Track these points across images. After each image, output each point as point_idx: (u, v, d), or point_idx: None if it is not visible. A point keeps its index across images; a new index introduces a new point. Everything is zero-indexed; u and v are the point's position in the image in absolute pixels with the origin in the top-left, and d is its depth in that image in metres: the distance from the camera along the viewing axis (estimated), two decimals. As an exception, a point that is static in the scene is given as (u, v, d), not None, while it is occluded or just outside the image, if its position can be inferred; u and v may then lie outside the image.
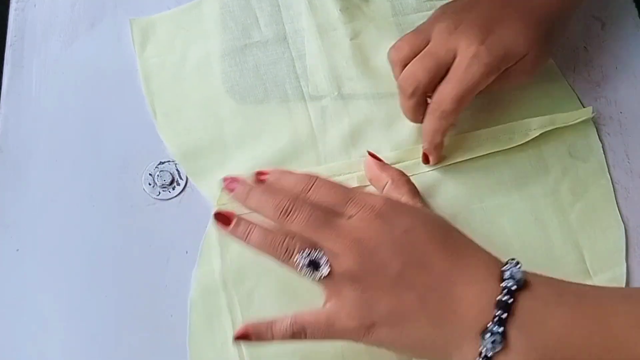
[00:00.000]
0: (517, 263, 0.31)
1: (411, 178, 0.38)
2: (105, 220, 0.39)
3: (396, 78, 0.39)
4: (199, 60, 0.43)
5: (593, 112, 0.42)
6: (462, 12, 0.38)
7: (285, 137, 0.41)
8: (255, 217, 0.34)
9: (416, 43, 0.38)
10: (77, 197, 0.40)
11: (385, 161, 0.39)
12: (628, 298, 0.30)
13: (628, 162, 0.42)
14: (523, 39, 0.37)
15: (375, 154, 0.39)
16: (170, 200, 0.40)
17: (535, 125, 0.41)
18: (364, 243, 0.32)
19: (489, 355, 0.29)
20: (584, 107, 0.43)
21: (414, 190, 0.37)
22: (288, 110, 0.42)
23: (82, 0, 0.46)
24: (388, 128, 0.42)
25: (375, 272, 0.32)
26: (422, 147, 0.39)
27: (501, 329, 0.28)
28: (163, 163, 0.41)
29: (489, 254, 0.33)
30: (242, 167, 0.40)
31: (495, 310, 0.29)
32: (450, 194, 0.40)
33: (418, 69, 0.37)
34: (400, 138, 0.41)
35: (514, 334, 0.29)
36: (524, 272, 0.30)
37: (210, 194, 0.39)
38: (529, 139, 0.41)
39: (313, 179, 0.35)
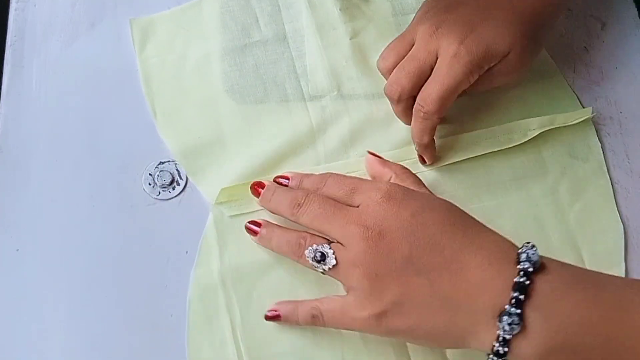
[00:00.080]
0: (533, 246, 0.30)
1: None
2: (105, 220, 0.39)
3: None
4: (199, 59, 0.43)
5: (593, 113, 0.42)
6: (445, 13, 0.38)
7: (284, 136, 0.41)
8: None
9: (401, 49, 0.39)
10: (77, 197, 0.40)
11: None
12: None
13: (628, 162, 0.42)
14: (504, 37, 0.37)
15: (374, 152, 0.39)
16: (170, 200, 0.40)
17: (534, 125, 0.41)
18: (371, 229, 0.32)
19: (507, 337, 0.28)
20: (583, 107, 0.43)
21: (418, 182, 0.37)
22: (288, 109, 0.42)
23: (82, 0, 0.46)
24: (387, 127, 0.42)
25: (383, 258, 0.32)
26: (416, 149, 0.40)
27: (519, 311, 0.28)
28: (163, 163, 0.41)
29: (503, 238, 0.32)
30: (242, 166, 0.40)
31: (512, 292, 0.29)
32: (449, 193, 0.40)
33: (401, 75, 0.37)
34: (399, 137, 0.41)
35: (532, 315, 0.28)
36: (541, 256, 0.30)
37: (210, 193, 0.39)
38: (528, 138, 0.41)
39: (327, 175, 0.36)
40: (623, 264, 0.39)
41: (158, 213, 0.39)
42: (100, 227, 0.39)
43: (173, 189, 0.40)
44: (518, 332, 0.28)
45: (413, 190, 0.35)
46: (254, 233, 0.37)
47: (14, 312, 0.37)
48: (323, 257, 0.33)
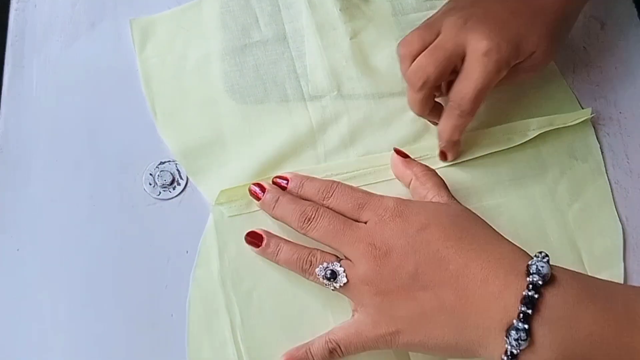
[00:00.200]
0: (545, 256, 0.30)
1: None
2: (105, 220, 0.39)
3: (403, 71, 0.39)
4: (199, 59, 0.43)
5: (592, 113, 0.42)
6: (472, 7, 0.38)
7: (285, 136, 0.41)
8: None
9: (426, 36, 0.38)
10: (77, 197, 0.40)
11: (386, 159, 0.40)
12: None
13: (628, 162, 0.42)
14: (531, 34, 0.37)
15: (400, 149, 0.39)
16: (170, 200, 0.40)
17: (534, 126, 0.41)
18: (378, 247, 0.33)
19: (515, 352, 0.28)
20: (582, 108, 0.43)
21: (439, 184, 0.37)
22: (288, 109, 0.42)
23: (82, 0, 0.46)
24: (387, 127, 0.42)
25: (391, 276, 0.32)
26: (439, 145, 0.40)
27: (526, 326, 0.28)
28: (163, 163, 0.41)
29: (514, 248, 0.32)
30: (242, 166, 0.40)
31: (521, 306, 0.29)
32: None
33: (428, 63, 0.37)
34: (399, 137, 0.41)
35: (540, 330, 0.28)
36: (551, 267, 0.30)
37: (210, 193, 0.39)
38: (528, 139, 0.41)
39: (333, 185, 0.36)
40: (622, 264, 0.39)
41: (158, 213, 0.39)
42: (100, 227, 0.39)
43: (173, 189, 0.40)
44: (526, 347, 0.28)
45: (420, 203, 0.35)
46: (256, 245, 0.37)
47: (14, 312, 0.37)
48: (334, 275, 0.34)
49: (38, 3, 0.46)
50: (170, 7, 0.46)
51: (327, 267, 0.34)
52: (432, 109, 0.40)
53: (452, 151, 0.40)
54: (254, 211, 0.39)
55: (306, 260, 0.35)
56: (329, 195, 0.36)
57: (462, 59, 0.37)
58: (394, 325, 0.32)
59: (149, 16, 0.45)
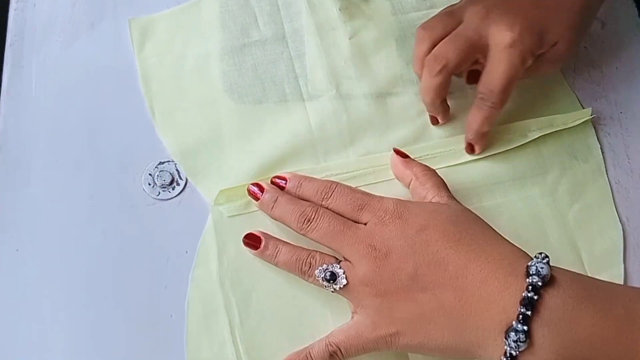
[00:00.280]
0: (545, 257, 0.30)
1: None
2: (105, 220, 0.39)
3: (418, 56, 0.39)
4: (198, 59, 0.43)
5: (593, 114, 0.42)
6: None
7: (284, 136, 0.41)
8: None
9: (448, 23, 0.38)
10: (77, 197, 0.40)
11: (386, 159, 0.40)
12: None
13: (628, 162, 0.42)
14: (554, 25, 0.37)
15: (400, 149, 0.39)
16: (170, 200, 0.40)
17: (534, 127, 0.41)
18: (378, 248, 0.33)
19: (514, 354, 0.28)
20: (583, 107, 0.43)
21: (438, 184, 0.37)
22: (286, 109, 0.42)
23: (82, 0, 0.46)
24: (387, 127, 0.42)
25: (390, 277, 0.32)
26: (467, 137, 0.40)
27: (525, 327, 0.28)
28: (163, 163, 0.41)
29: (514, 248, 0.32)
30: (241, 166, 0.40)
31: (520, 308, 0.28)
32: None
33: (449, 49, 0.37)
34: (398, 137, 0.41)
35: (539, 331, 0.28)
36: (551, 268, 0.30)
37: (209, 194, 0.39)
38: (528, 140, 0.41)
39: (332, 186, 0.36)
40: (622, 264, 0.39)
41: (158, 213, 0.39)
42: (100, 227, 0.39)
43: (173, 189, 0.40)
44: (525, 349, 0.28)
45: (419, 204, 0.35)
46: (254, 248, 0.37)
47: (14, 312, 0.37)
48: (333, 276, 0.34)
49: (37, 3, 0.46)
50: (169, 7, 0.46)
51: (326, 269, 0.34)
52: (441, 103, 0.40)
53: (480, 143, 0.40)
54: (254, 211, 0.39)
55: (305, 262, 0.35)
56: (328, 196, 0.36)
57: (483, 50, 0.37)
58: (394, 327, 0.32)
59: (148, 16, 0.45)
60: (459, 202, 0.36)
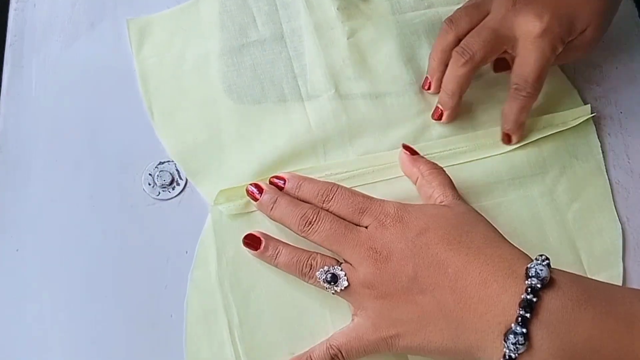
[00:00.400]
0: (546, 259, 0.30)
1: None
2: (105, 220, 0.39)
3: (439, 48, 0.40)
4: (197, 59, 0.43)
5: (593, 113, 0.42)
6: None
7: (282, 136, 0.41)
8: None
9: (474, 15, 0.39)
10: (77, 197, 0.40)
11: (386, 159, 0.40)
12: None
13: (629, 162, 0.42)
14: (582, 12, 0.37)
15: (409, 145, 0.39)
16: (170, 200, 0.40)
17: (534, 127, 0.41)
18: (379, 251, 0.33)
19: (513, 356, 0.28)
20: (583, 101, 0.43)
21: (444, 183, 0.37)
22: (285, 109, 0.42)
23: (82, 0, 0.46)
24: (386, 127, 0.42)
25: (391, 280, 0.32)
26: (504, 128, 0.40)
27: (524, 330, 0.28)
28: (163, 163, 0.41)
29: (515, 250, 0.32)
30: (241, 166, 0.40)
31: (519, 310, 0.28)
32: None
33: (475, 42, 0.38)
34: (398, 137, 0.41)
35: (539, 334, 0.28)
36: (551, 270, 0.30)
37: (208, 194, 0.39)
38: (528, 141, 0.41)
39: (333, 189, 0.36)
40: (621, 264, 0.39)
41: (158, 213, 0.39)
42: (100, 227, 0.39)
43: (173, 189, 0.40)
44: (524, 351, 0.28)
45: (420, 206, 0.35)
46: (254, 248, 0.37)
47: (14, 312, 0.37)
48: (335, 278, 0.34)
49: (37, 3, 0.46)
50: (169, 7, 0.46)
51: (327, 271, 0.34)
52: (459, 96, 0.40)
53: (517, 133, 0.40)
54: (253, 211, 0.39)
55: (306, 264, 0.35)
56: (330, 199, 0.36)
57: (511, 40, 0.38)
58: (394, 329, 0.32)
59: (147, 16, 0.45)
60: (464, 201, 0.36)
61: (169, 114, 0.42)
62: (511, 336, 0.28)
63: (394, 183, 0.40)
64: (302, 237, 0.35)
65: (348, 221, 0.35)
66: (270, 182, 0.38)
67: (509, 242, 0.33)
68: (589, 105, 0.42)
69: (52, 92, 0.43)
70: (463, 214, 0.34)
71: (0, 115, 0.42)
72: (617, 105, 0.44)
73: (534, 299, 0.28)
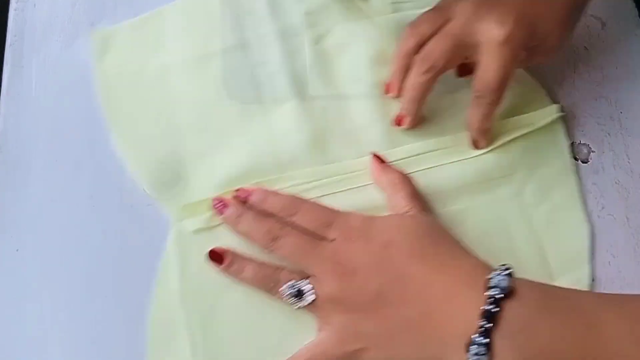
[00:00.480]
0: (507, 269, 0.30)
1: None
2: (105, 220, 0.39)
3: (401, 53, 0.39)
4: (158, 71, 0.42)
5: (561, 112, 0.41)
6: None
7: (245, 147, 0.40)
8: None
9: (437, 20, 0.38)
10: (77, 197, 0.40)
11: (353, 167, 0.39)
12: (620, 305, 0.29)
13: (629, 162, 0.42)
14: (545, 19, 0.37)
15: (378, 154, 0.39)
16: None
17: (502, 129, 0.40)
18: (344, 265, 0.33)
19: None
20: (555, 102, 0.42)
21: (411, 193, 0.37)
22: (249, 119, 0.41)
23: (82, 0, 0.46)
24: (351, 133, 0.41)
25: (356, 294, 0.32)
26: (470, 135, 0.39)
27: (486, 340, 0.28)
28: (163, 163, 0.41)
29: (476, 261, 0.32)
30: (203, 180, 0.39)
31: (480, 321, 0.28)
32: None
33: (436, 49, 0.37)
34: (364, 142, 0.40)
35: (500, 344, 0.28)
36: (512, 279, 0.30)
37: (171, 208, 0.38)
38: (496, 145, 0.40)
39: (298, 202, 0.36)
40: (588, 266, 0.38)
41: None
42: (100, 227, 0.39)
43: (173, 188, 0.40)
44: None
45: (386, 218, 0.35)
46: (219, 263, 0.36)
47: (14, 312, 0.37)
48: (300, 293, 0.34)
49: (37, 3, 0.46)
50: (169, 7, 0.46)
51: (293, 286, 0.34)
52: (419, 103, 0.39)
53: (483, 139, 0.39)
54: (217, 225, 0.37)
55: (271, 279, 0.34)
56: (295, 213, 0.35)
57: (473, 47, 0.37)
58: (360, 342, 0.32)
59: (111, 27, 0.44)
60: (430, 212, 0.36)
61: (128, 127, 0.41)
62: (473, 347, 0.28)
63: (361, 191, 0.39)
64: (267, 252, 0.35)
65: (314, 235, 0.35)
66: (235, 196, 0.37)
67: (472, 254, 0.33)
68: (558, 104, 0.42)
69: (52, 92, 0.43)
70: (428, 225, 0.34)
71: (0, 115, 0.42)
72: (618, 105, 0.44)
73: (495, 309, 0.28)
